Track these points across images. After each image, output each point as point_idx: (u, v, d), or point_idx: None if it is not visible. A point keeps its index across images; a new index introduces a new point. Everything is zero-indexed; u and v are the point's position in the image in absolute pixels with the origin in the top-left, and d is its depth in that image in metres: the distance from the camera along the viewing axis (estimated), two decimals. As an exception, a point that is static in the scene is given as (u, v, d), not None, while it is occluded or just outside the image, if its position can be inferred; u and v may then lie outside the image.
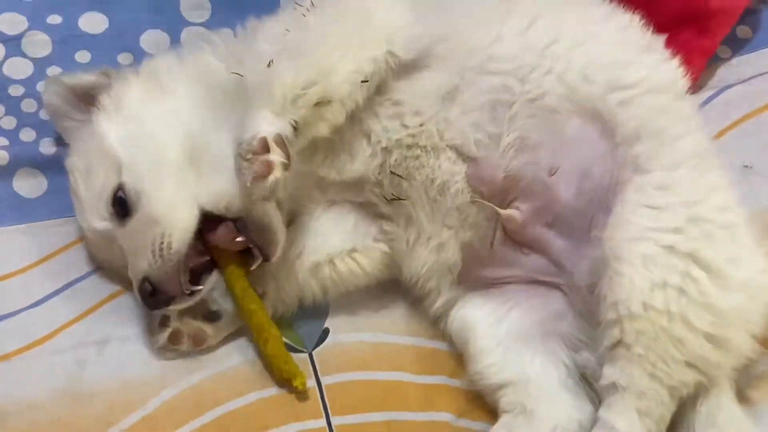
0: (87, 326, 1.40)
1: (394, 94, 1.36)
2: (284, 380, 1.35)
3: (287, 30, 1.33)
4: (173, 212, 1.32)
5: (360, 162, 1.37)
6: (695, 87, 1.66)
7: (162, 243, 1.30)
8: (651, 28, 1.45)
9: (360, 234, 1.43)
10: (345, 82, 1.29)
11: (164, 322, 1.38)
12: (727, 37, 1.72)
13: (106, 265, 1.45)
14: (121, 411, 1.31)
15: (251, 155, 1.22)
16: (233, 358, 1.38)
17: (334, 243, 1.42)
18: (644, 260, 1.24)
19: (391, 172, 1.37)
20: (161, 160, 1.35)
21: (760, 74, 1.71)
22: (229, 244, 1.33)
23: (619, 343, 1.24)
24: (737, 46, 1.76)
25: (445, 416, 1.34)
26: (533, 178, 1.35)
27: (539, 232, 1.37)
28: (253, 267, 1.34)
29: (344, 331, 1.42)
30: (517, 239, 1.38)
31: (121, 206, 1.35)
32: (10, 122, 1.59)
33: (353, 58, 1.30)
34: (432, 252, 1.39)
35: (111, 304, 1.43)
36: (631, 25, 1.42)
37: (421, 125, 1.36)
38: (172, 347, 1.38)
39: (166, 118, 1.38)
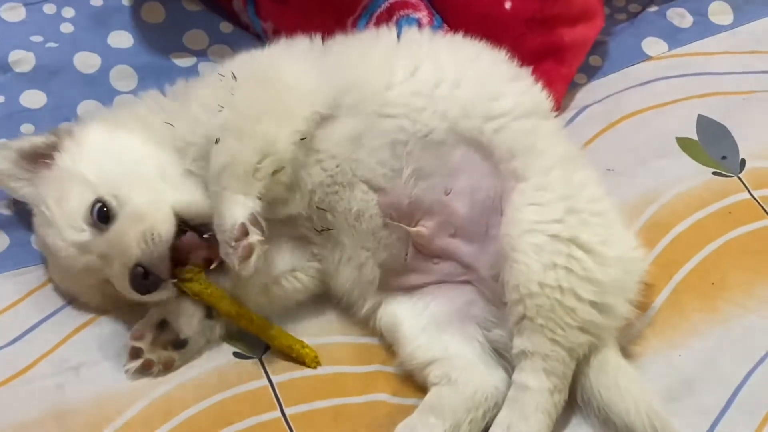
0: (62, 355, 1.53)
1: (314, 144, 1.52)
2: (303, 362, 1.54)
3: (221, 107, 1.50)
4: (156, 209, 1.48)
5: (292, 205, 1.54)
6: (559, 109, 1.87)
7: (152, 234, 1.45)
8: (516, 61, 1.65)
9: (297, 257, 1.59)
10: (288, 144, 1.47)
11: (136, 353, 1.50)
12: (582, 65, 1.94)
13: (73, 289, 1.57)
14: (102, 423, 1.45)
15: (234, 242, 1.41)
16: (194, 369, 1.53)
17: (278, 265, 1.57)
18: (535, 248, 1.43)
19: (317, 207, 1.55)
20: (135, 172, 1.52)
21: (612, 94, 1.93)
22: (196, 250, 1.50)
23: (523, 317, 1.43)
24: (591, 72, 1.99)
25: (382, 396, 1.51)
26: (432, 199, 1.53)
27: (446, 242, 1.55)
28: (212, 266, 1.49)
29: None
30: (427, 252, 1.56)
31: (100, 216, 1.48)
32: None
33: (288, 124, 1.49)
34: (354, 270, 1.57)
35: (80, 334, 1.56)
36: (499, 61, 1.62)
37: (337, 166, 1.53)
38: (143, 374, 1.51)
39: (132, 145, 1.54)
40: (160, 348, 1.52)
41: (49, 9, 1.97)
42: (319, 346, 1.57)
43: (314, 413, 1.50)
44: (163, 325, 1.53)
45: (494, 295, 1.52)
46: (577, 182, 1.51)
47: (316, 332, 1.59)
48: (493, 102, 1.54)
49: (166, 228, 1.47)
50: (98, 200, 1.50)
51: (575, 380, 1.47)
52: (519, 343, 1.44)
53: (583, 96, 1.95)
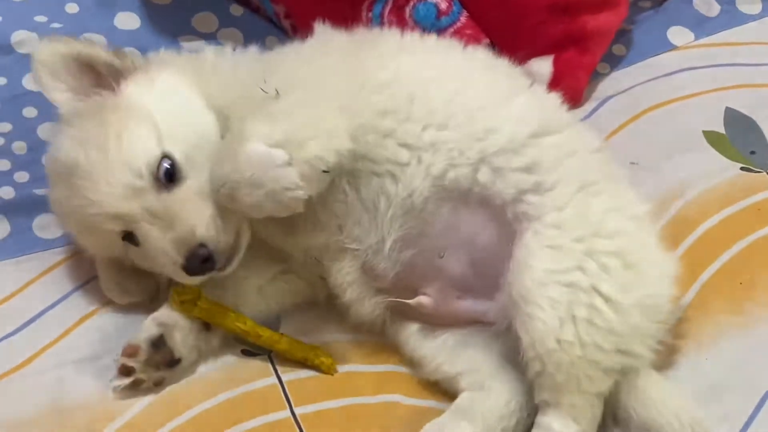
0: (63, 347, 1.48)
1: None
2: (318, 368, 1.47)
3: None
4: None
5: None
6: (581, 100, 1.84)
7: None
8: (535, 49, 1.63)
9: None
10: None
11: (127, 372, 1.40)
12: (605, 54, 1.89)
13: (83, 227, 1.42)
14: (104, 420, 1.40)
15: None
16: (202, 366, 1.47)
17: (273, 266, 1.50)
18: (551, 301, 1.30)
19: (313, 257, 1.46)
20: (205, 137, 1.38)
21: (636, 85, 1.87)
22: None
23: (542, 372, 1.32)
24: (614, 62, 1.93)
25: (396, 397, 1.45)
26: (425, 265, 1.41)
27: (454, 306, 1.44)
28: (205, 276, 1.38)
29: (296, 335, 1.50)
30: (436, 321, 1.45)
31: (167, 174, 1.35)
32: None
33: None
34: (357, 297, 1.47)
35: (83, 326, 1.52)
36: (492, 79, 1.47)
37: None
38: (129, 392, 1.41)
39: (202, 104, 1.41)
40: (153, 368, 1.42)
41: (51, -14, 1.91)
42: (329, 344, 1.51)
43: (325, 413, 1.44)
44: (158, 343, 1.41)
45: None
46: (598, 213, 1.37)
47: (326, 329, 1.54)
48: (485, 141, 1.38)
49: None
50: (168, 156, 1.36)
51: (606, 404, 1.37)
52: (540, 396, 1.34)
53: (605, 86, 1.90)
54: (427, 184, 1.39)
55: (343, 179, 1.39)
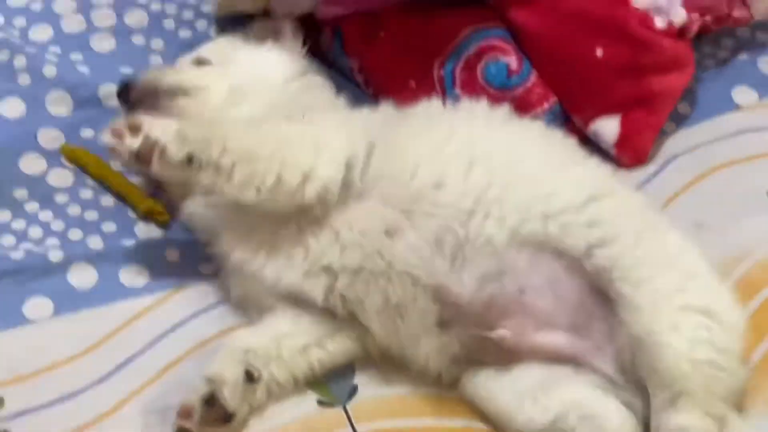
0: (148, 396, 1.53)
1: (333, 221, 1.47)
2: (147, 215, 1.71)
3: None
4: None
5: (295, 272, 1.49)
6: (646, 160, 1.87)
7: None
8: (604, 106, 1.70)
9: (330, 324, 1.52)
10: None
11: None
12: (671, 113, 1.91)
13: None
14: None
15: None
16: (277, 418, 1.49)
17: (314, 329, 1.51)
18: (673, 326, 1.37)
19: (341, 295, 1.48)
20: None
21: (701, 144, 1.89)
22: None
23: (678, 395, 1.36)
24: (679, 120, 1.95)
25: None
26: (505, 300, 1.44)
27: (535, 339, 1.45)
28: None
29: (371, 386, 1.54)
30: (512, 359, 1.46)
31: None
32: (59, 225, 1.74)
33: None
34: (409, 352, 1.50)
35: (167, 374, 1.56)
36: (550, 149, 1.56)
37: (366, 256, 1.46)
38: None
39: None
40: (208, 426, 1.44)
41: (137, 40, 1.97)
42: (399, 397, 1.53)
43: (398, 462, 1.47)
44: (210, 400, 1.44)
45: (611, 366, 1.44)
46: (673, 247, 1.47)
47: (401, 381, 1.56)
48: (547, 201, 1.46)
49: None
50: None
51: None
52: (673, 418, 1.37)
53: (671, 145, 1.92)
54: (504, 233, 1.44)
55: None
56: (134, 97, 1.66)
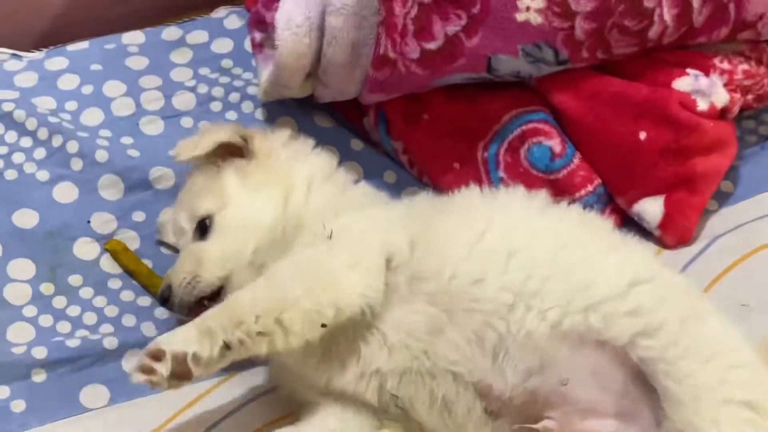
0: None
1: (380, 323, 1.47)
2: None
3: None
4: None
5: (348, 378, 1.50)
6: (690, 240, 1.87)
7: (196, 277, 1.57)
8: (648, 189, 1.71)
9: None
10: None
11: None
12: (714, 192, 1.91)
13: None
14: None
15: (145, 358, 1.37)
16: None
17: (361, 424, 1.53)
18: (714, 422, 1.36)
19: (392, 395, 1.49)
20: (252, 228, 1.60)
21: (745, 223, 1.87)
22: None
23: None
24: (722, 199, 1.95)
25: None
26: (547, 392, 1.43)
27: (579, 428, 1.44)
28: None
29: None
30: None
31: (201, 229, 1.63)
32: (112, 311, 1.78)
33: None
34: None
35: None
36: (588, 238, 1.54)
37: (414, 357, 1.46)
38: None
39: (276, 200, 1.63)
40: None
41: (186, 122, 2.01)
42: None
43: None
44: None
45: None
46: (714, 334, 1.45)
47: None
48: (587, 291, 1.45)
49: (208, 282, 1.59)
50: (209, 216, 1.63)
51: None
52: None
53: (714, 225, 1.91)
54: (545, 328, 1.44)
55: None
56: (176, 308, 1.61)
